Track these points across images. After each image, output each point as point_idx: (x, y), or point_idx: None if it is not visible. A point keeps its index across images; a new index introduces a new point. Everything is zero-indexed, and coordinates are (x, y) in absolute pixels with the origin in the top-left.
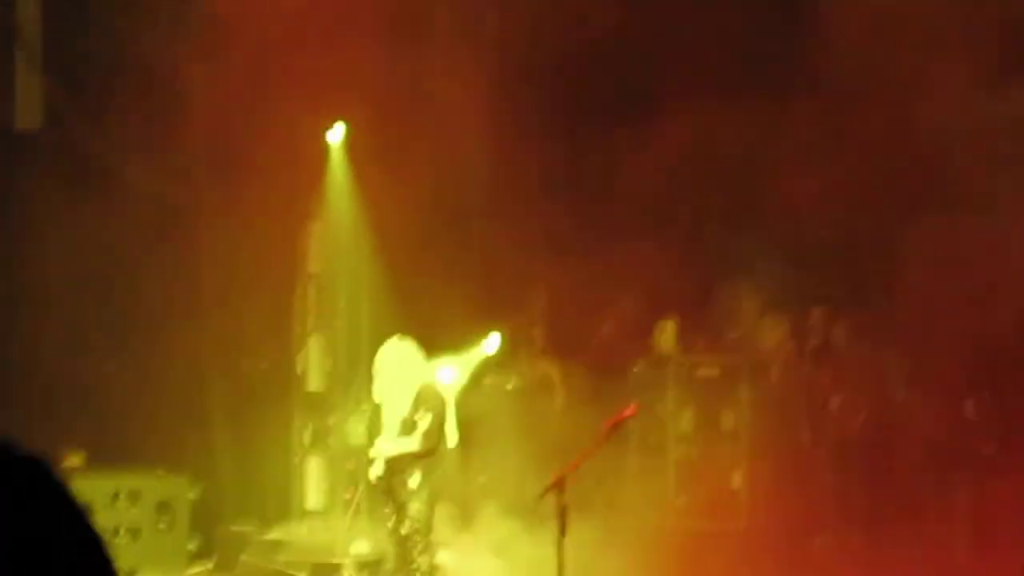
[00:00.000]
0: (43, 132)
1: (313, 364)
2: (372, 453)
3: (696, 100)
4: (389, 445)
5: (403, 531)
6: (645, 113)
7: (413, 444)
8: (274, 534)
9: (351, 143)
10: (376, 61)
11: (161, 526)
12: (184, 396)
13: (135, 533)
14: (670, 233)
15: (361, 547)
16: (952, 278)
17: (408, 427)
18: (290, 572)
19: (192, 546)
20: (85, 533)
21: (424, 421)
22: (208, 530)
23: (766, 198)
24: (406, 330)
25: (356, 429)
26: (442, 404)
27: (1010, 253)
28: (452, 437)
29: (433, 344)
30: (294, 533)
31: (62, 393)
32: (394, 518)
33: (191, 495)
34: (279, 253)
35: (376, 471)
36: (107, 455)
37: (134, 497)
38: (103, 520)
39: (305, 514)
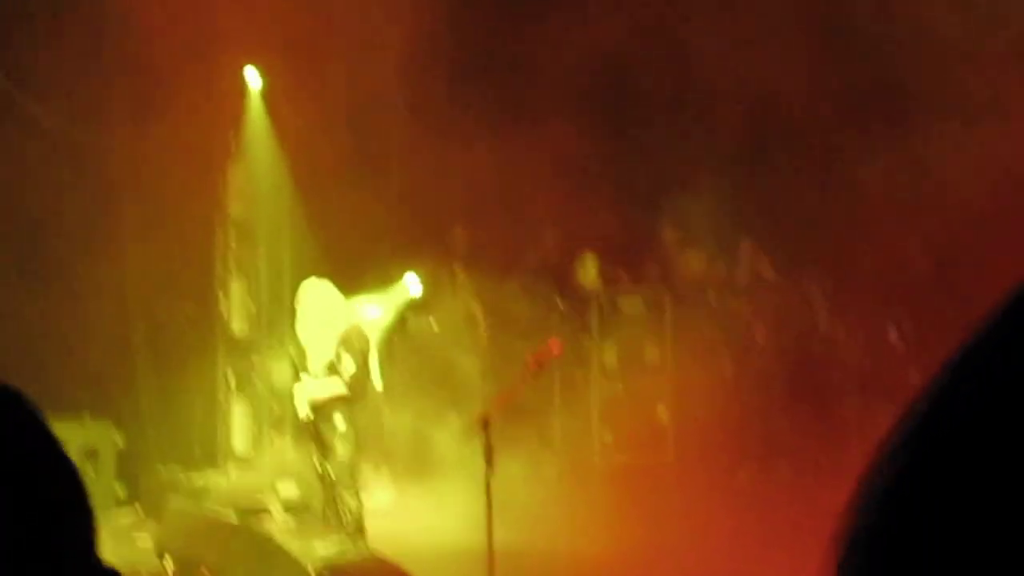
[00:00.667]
0: None
1: (236, 307)
2: (297, 392)
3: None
4: (315, 386)
5: (331, 472)
6: (563, 43)
7: (339, 387)
8: (201, 478)
9: (267, 86)
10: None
11: (88, 473)
12: (108, 342)
13: None
14: (590, 168)
15: (288, 490)
16: (871, 208)
17: (333, 370)
18: (217, 515)
19: (120, 492)
20: (62, 461)
21: (349, 364)
22: (135, 476)
23: (688, 128)
24: (327, 271)
25: (281, 370)
26: (366, 346)
27: (929, 181)
28: (377, 379)
29: (355, 286)
30: (221, 477)
31: None
32: (321, 460)
33: (117, 441)
34: (199, 196)
35: (303, 411)
36: (30, 402)
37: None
38: None
39: (232, 457)
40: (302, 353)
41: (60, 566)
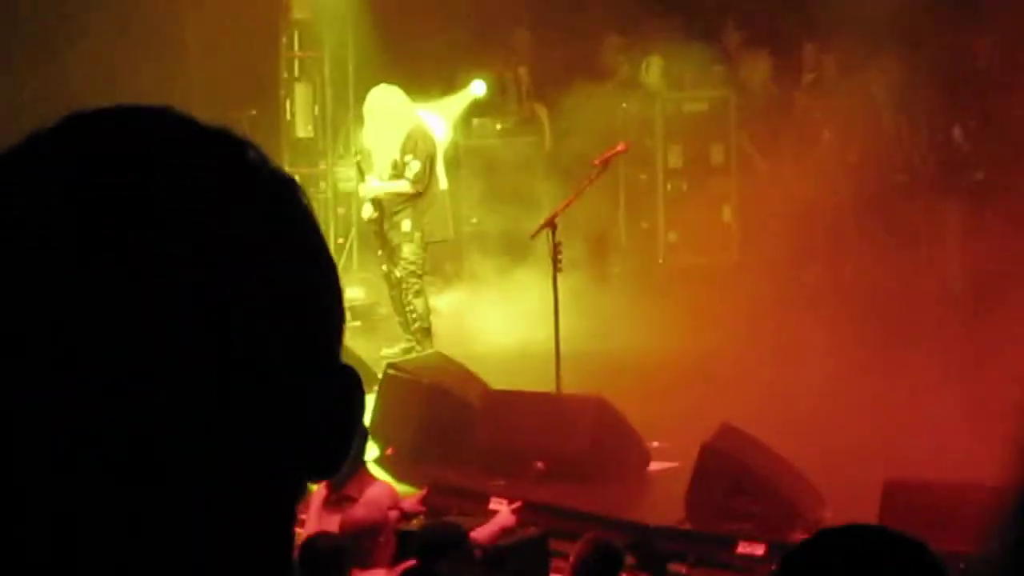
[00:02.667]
0: None
1: (300, 111)
2: (362, 192)
3: None
4: (380, 185)
5: (397, 274)
6: None
7: (404, 185)
8: None
9: None
10: None
11: None
12: None
13: None
14: None
15: (355, 292)
16: (937, 2)
17: (398, 170)
18: None
19: None
20: (329, 259)
21: (414, 164)
22: None
23: None
24: (392, 75)
25: (346, 174)
26: (431, 146)
27: None
28: (442, 179)
29: (420, 89)
30: None
31: None
32: (387, 262)
33: None
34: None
35: (367, 212)
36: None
37: None
38: None
39: None
40: (368, 156)
41: (310, 360)
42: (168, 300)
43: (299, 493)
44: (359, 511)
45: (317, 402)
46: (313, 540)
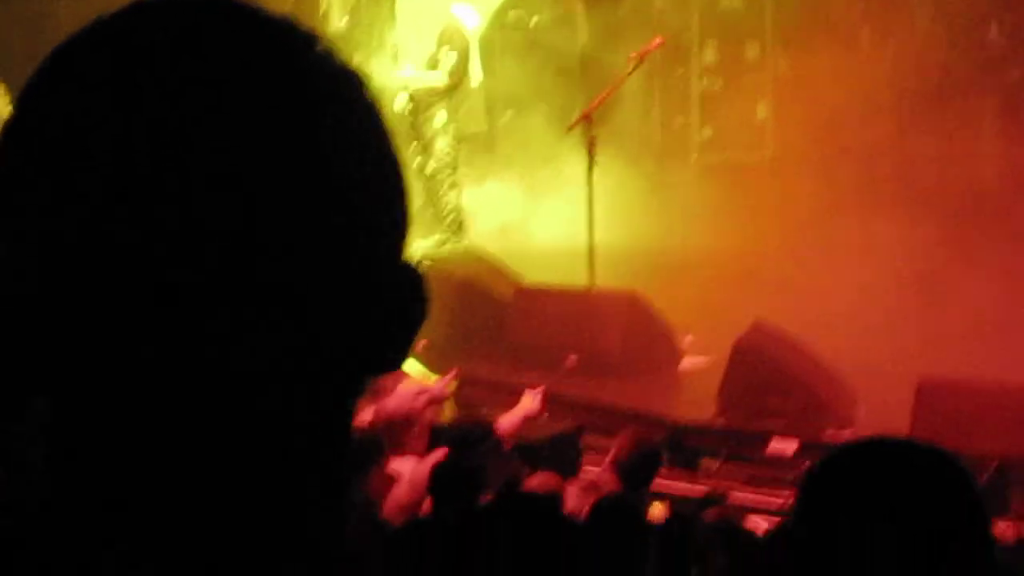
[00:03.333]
0: None
1: (335, 3)
2: (395, 81)
3: None
4: (415, 73)
5: (429, 170)
6: None
7: (439, 76)
8: None
9: None
10: None
11: None
12: None
13: None
14: None
15: None
16: None
17: (432, 64)
18: None
19: None
20: (394, 157)
21: (450, 55)
22: None
23: None
24: None
25: (380, 68)
26: (465, 41)
27: None
28: (476, 74)
29: None
30: None
31: None
32: (420, 157)
33: None
34: None
35: (400, 103)
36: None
37: None
38: None
39: None
40: (402, 50)
41: (379, 257)
42: (237, 198)
43: (361, 387)
44: (391, 403)
45: (385, 298)
46: None
